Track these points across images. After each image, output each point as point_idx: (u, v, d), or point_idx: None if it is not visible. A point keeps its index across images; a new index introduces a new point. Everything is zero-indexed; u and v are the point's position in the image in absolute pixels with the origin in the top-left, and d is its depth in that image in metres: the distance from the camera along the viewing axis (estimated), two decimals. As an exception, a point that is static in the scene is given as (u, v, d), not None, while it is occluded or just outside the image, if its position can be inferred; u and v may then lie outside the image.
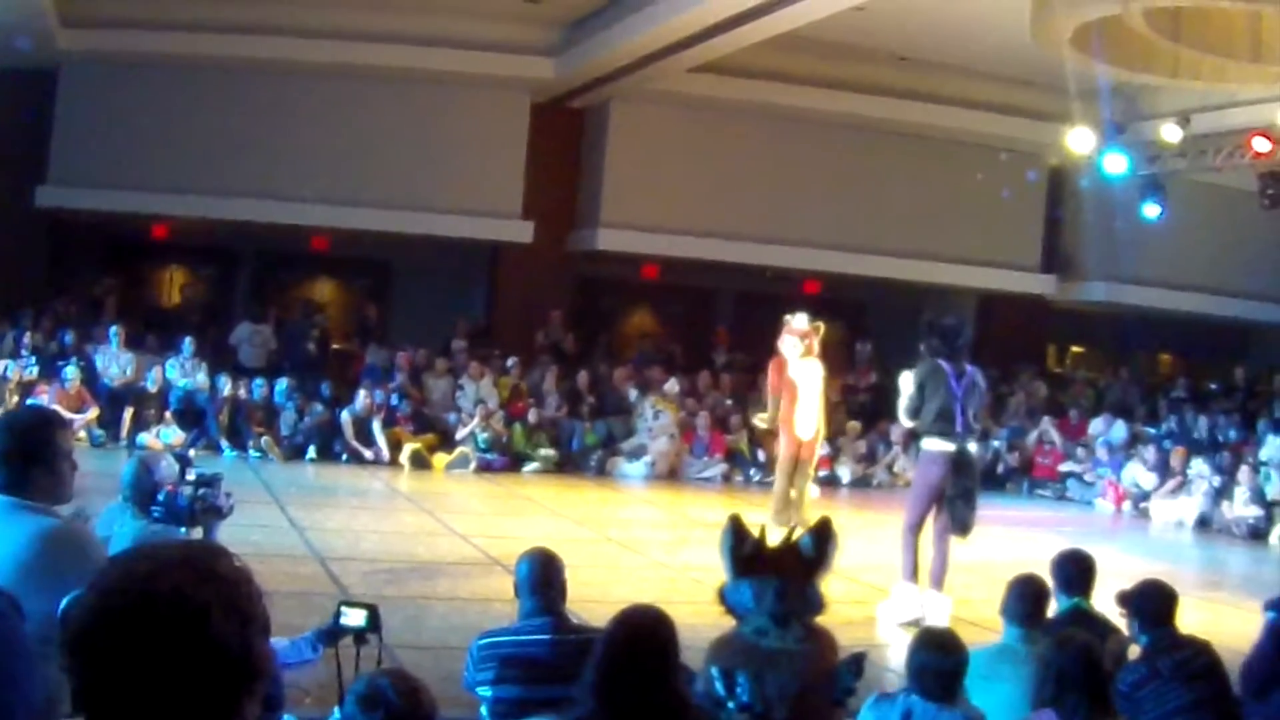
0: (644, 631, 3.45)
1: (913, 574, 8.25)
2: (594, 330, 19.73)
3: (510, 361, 17.13)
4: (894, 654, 6.78)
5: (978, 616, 7.71)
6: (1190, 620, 5.63)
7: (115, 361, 15.45)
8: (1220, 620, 8.21)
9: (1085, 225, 19.25)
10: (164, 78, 16.62)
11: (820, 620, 3.59)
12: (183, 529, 4.68)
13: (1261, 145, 13.41)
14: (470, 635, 4.82)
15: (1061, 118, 15.48)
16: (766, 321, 14.11)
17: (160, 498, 4.72)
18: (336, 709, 3.55)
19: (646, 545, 10.85)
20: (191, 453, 11.77)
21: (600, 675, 3.35)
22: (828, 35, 15.41)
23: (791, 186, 18.55)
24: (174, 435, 14.38)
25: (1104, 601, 5.53)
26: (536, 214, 18.06)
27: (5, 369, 14.31)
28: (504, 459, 15.41)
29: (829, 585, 3.65)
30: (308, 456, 14.87)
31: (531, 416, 16.03)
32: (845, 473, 16.51)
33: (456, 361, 16.97)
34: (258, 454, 14.65)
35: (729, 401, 17.28)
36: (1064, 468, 17.23)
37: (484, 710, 4.45)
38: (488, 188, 17.83)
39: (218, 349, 16.84)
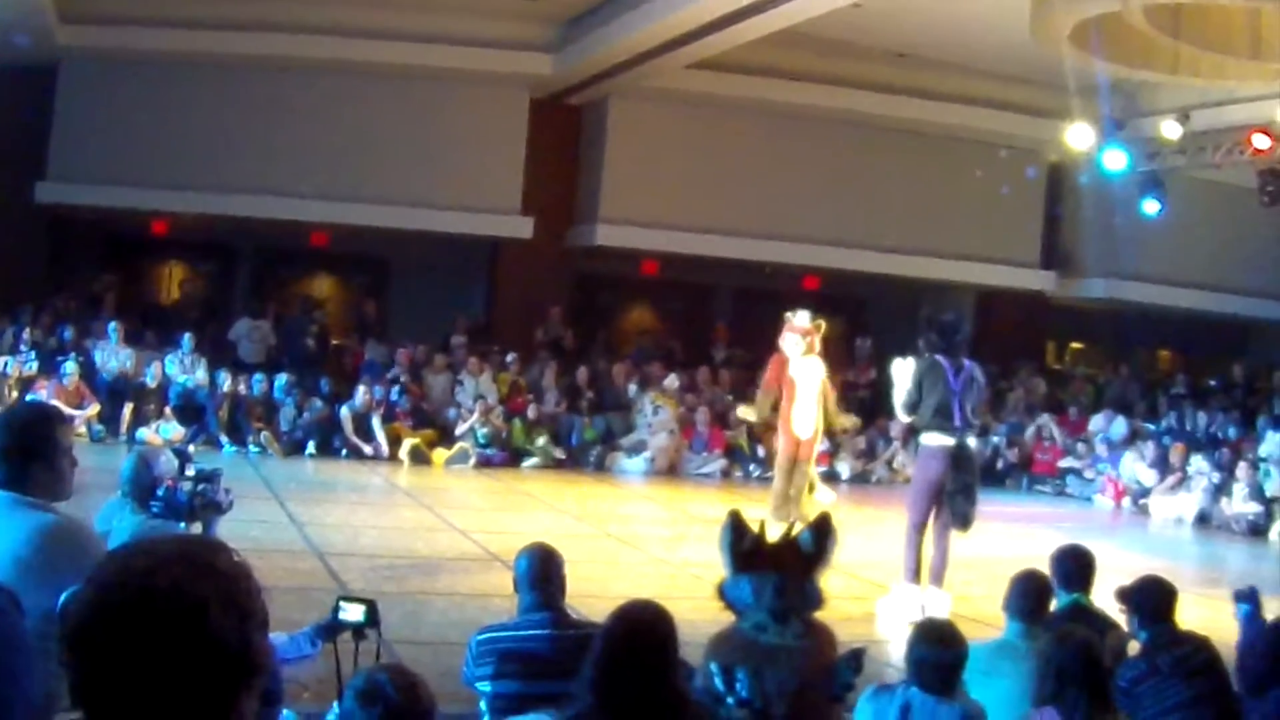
0: (643, 627, 3.45)
1: (915, 574, 8.21)
2: (593, 326, 19.74)
3: (509, 357, 17.12)
4: (894, 649, 6.78)
5: (977, 612, 7.72)
6: (1190, 616, 5.64)
7: (114, 357, 15.45)
8: (1219, 616, 8.15)
9: (1084, 221, 19.24)
10: (163, 74, 16.61)
11: (819, 616, 3.59)
12: (182, 524, 4.68)
13: (1261, 142, 13.42)
14: (469, 630, 4.82)
15: (1061, 114, 15.49)
16: (765, 317, 14.10)
17: (159, 493, 4.72)
18: (335, 704, 3.55)
19: (646, 541, 10.86)
20: (191, 448, 11.61)
21: (599, 671, 3.35)
22: (826, 32, 15.40)
23: (790, 183, 18.52)
24: (173, 431, 14.37)
25: (1103, 597, 5.53)
26: (535, 210, 18.06)
27: (5, 365, 14.32)
28: (503, 454, 15.42)
29: (828, 581, 3.65)
30: (307, 452, 14.88)
31: (531, 412, 16.04)
32: (844, 468, 16.51)
33: (456, 357, 16.97)
34: (257, 449, 14.65)
35: (728, 397, 17.24)
36: (1063, 464, 17.23)
37: (483, 705, 4.45)
38: (487, 184, 17.83)
39: (217, 345, 16.84)
